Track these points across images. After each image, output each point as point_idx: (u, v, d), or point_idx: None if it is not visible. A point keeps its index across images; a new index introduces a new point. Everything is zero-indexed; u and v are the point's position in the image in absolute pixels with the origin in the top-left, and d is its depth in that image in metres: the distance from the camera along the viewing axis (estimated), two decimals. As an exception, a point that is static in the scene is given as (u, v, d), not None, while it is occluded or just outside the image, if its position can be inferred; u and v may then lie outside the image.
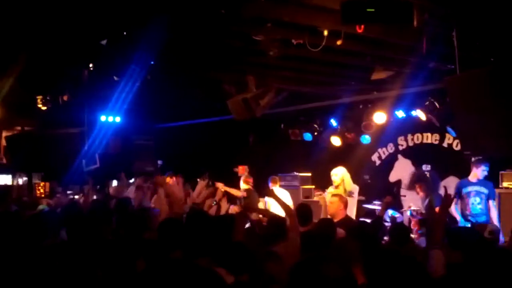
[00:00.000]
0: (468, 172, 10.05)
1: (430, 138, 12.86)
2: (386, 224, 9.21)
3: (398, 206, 11.21)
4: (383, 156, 14.01)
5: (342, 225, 6.67)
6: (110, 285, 4.12)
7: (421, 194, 9.97)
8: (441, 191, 10.18)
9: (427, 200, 9.42)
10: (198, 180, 9.38)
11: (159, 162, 16.20)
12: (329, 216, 7.85)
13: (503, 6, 6.53)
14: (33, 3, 6.60)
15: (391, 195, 10.11)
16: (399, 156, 13.58)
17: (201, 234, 5.24)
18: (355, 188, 10.07)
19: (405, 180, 13.01)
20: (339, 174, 9.89)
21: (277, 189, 11.85)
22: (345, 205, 8.23)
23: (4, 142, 14.54)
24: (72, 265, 4.11)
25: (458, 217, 9.56)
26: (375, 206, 11.69)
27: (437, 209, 8.76)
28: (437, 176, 11.31)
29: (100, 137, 13.67)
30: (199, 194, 8.91)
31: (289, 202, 11.10)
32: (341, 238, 5.97)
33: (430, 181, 10.18)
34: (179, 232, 5.16)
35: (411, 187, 10.45)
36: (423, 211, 9.49)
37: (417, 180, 9.91)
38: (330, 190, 9.81)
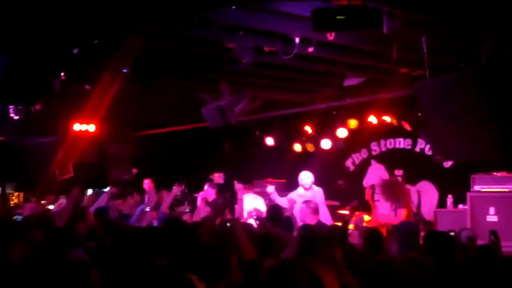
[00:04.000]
0: (439, 177, 10.15)
1: (402, 143, 13.00)
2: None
3: (371, 211, 11.28)
4: (357, 162, 14.12)
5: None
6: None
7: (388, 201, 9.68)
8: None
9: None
10: (175, 185, 9.33)
11: (134, 170, 16.14)
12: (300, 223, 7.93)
13: (471, 13, 6.64)
14: (3, 12, 6.57)
15: (366, 203, 10.13)
16: (372, 161, 13.69)
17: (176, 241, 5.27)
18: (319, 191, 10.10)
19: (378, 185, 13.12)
20: (309, 177, 10.04)
21: (251, 196, 11.89)
22: (313, 210, 8.26)
23: (-24, 153, 14.38)
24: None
25: None
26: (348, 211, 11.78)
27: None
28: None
29: (74, 146, 13.58)
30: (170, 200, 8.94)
31: (263, 209, 11.15)
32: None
33: (399, 188, 10.06)
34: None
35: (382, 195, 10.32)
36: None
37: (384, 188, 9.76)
38: (301, 192, 9.85)
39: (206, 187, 10.97)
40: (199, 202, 10.58)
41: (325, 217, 9.55)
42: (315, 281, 3.08)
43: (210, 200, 10.62)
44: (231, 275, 4.53)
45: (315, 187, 10.07)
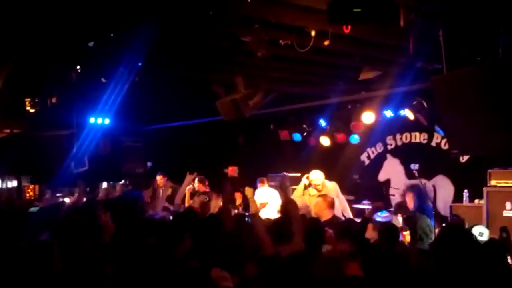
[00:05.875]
0: (455, 171, 10.00)
1: (418, 137, 12.92)
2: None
3: (387, 206, 11.25)
4: (372, 156, 14.06)
5: (330, 225, 6.68)
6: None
7: (410, 206, 9.79)
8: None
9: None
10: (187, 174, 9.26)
11: (149, 163, 16.20)
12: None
13: (489, 5, 6.58)
14: (20, 5, 6.59)
15: (381, 198, 10.09)
16: (388, 155, 13.63)
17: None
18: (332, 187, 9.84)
19: (394, 180, 13.07)
20: (320, 178, 9.70)
21: (266, 189, 11.89)
22: (330, 205, 8.21)
23: (-8, 145, 14.51)
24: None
25: None
26: (365, 206, 11.75)
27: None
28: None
29: (89, 139, 13.65)
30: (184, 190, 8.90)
31: (278, 202, 11.12)
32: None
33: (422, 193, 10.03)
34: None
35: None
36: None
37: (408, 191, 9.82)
38: (313, 192, 9.63)
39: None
40: None
41: (342, 210, 9.45)
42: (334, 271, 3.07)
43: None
44: (245, 270, 4.52)
45: (327, 184, 9.83)
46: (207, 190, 11.13)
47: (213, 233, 5.34)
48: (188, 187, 10.15)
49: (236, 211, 10.91)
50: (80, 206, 8.23)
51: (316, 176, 9.68)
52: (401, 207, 10.19)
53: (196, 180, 11.03)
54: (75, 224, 5.78)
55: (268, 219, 6.93)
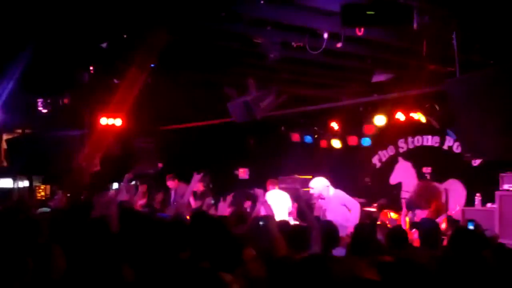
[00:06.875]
0: (468, 175, 9.95)
1: (430, 140, 12.87)
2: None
3: (398, 209, 11.21)
4: (384, 159, 14.02)
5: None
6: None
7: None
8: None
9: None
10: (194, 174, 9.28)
11: (160, 164, 16.21)
12: None
13: (503, 9, 6.54)
14: (34, 6, 6.62)
15: (393, 201, 10.07)
16: (400, 158, 13.59)
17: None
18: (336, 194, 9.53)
19: (406, 183, 13.03)
20: (317, 187, 9.38)
21: (276, 192, 11.85)
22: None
23: (4, 145, 14.54)
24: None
25: None
26: (375, 209, 11.71)
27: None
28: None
29: (100, 139, 13.66)
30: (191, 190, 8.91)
31: (289, 204, 11.08)
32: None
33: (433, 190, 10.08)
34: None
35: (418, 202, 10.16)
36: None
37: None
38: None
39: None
40: None
41: (346, 215, 9.37)
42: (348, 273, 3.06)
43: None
44: (247, 268, 4.50)
45: (330, 191, 9.65)
46: (203, 188, 11.14)
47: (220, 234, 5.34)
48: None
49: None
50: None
51: (317, 184, 9.46)
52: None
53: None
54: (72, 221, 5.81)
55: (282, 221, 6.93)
